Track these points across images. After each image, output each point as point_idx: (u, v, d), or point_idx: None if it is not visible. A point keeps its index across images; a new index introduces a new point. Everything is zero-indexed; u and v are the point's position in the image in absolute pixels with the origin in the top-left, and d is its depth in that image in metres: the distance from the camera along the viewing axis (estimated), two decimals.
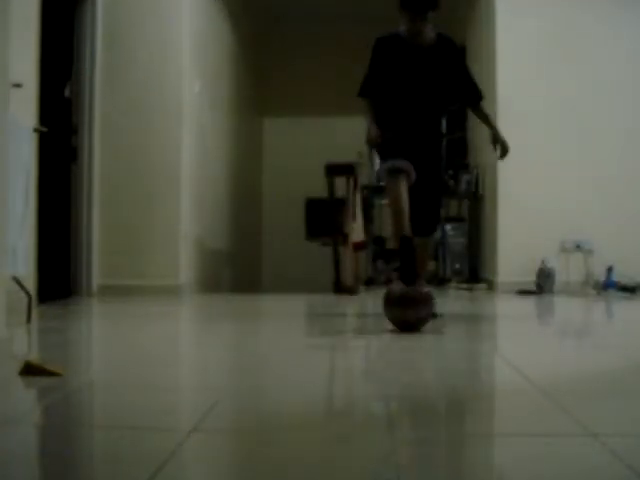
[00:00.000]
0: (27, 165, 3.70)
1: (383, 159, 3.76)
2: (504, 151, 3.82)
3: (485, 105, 3.90)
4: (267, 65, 8.75)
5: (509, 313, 4.81)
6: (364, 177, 6.86)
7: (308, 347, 3.16)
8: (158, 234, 5.38)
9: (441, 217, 4.03)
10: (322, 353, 2.99)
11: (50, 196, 4.59)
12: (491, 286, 6.03)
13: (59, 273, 5.01)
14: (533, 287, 5.72)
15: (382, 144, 3.65)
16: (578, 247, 5.91)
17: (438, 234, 4.10)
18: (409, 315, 3.20)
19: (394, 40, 3.71)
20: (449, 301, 5.52)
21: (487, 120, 3.88)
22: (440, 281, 6.57)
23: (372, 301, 5.45)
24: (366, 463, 1.45)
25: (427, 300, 3.26)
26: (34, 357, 2.57)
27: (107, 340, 3.32)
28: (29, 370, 2.16)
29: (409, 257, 3.34)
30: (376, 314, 4.67)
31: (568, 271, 5.86)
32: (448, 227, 6.65)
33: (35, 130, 3.90)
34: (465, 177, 6.66)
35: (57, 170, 4.99)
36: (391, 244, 4.01)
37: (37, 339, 3.36)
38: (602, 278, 5.75)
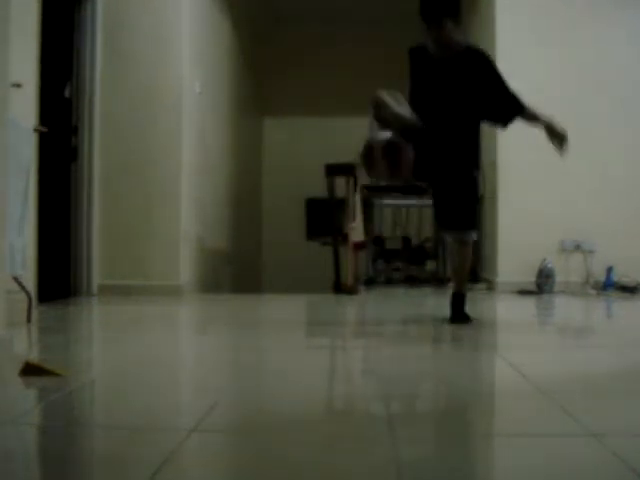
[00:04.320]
0: (27, 165, 3.70)
1: None
2: (562, 141, 3.54)
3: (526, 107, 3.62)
4: (267, 65, 8.75)
5: (509, 313, 4.80)
6: (364, 177, 6.85)
7: (308, 347, 3.16)
8: (158, 234, 5.37)
9: (473, 218, 3.79)
10: (322, 353, 2.99)
11: (50, 196, 4.58)
12: (491, 286, 6.02)
13: (59, 273, 5.00)
14: (533, 287, 5.72)
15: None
16: (578, 247, 5.90)
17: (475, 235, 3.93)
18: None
19: (420, 51, 3.62)
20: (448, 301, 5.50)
21: (537, 119, 3.62)
22: (440, 281, 6.57)
23: (372, 301, 5.46)
24: (366, 463, 1.45)
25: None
26: (34, 357, 2.58)
27: (107, 340, 3.32)
28: (29, 370, 2.16)
29: (458, 309, 3.80)
30: (376, 314, 4.67)
31: (568, 271, 5.85)
32: None
33: (35, 130, 3.89)
34: None
35: (57, 170, 4.99)
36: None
37: (37, 339, 3.36)
38: (602, 278, 5.74)
